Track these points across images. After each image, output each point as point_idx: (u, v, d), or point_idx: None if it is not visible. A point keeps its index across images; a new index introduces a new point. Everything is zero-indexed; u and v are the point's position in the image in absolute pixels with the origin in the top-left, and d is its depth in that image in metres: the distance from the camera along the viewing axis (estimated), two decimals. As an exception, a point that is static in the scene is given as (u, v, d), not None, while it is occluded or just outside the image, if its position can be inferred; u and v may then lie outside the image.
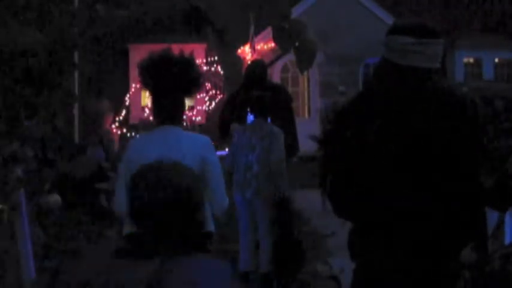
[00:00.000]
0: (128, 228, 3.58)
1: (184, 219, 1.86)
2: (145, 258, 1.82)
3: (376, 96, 2.69)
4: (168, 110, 3.66)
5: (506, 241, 4.55)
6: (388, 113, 2.62)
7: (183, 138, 3.64)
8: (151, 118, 16.63)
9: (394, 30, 2.72)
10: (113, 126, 15.93)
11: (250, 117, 6.28)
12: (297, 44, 9.15)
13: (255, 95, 6.17)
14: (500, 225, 4.74)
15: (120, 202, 3.69)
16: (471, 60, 20.56)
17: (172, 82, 3.62)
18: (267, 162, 5.91)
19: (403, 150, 2.58)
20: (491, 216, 4.45)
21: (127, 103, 16.55)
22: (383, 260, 2.62)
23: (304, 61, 9.21)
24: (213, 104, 16.59)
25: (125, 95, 16.56)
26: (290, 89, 15.48)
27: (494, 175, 2.55)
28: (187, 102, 15.24)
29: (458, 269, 2.63)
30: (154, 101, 3.72)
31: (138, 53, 18.67)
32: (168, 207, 1.85)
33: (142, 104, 17.37)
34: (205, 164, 3.54)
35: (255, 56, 13.82)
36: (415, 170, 2.57)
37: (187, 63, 3.70)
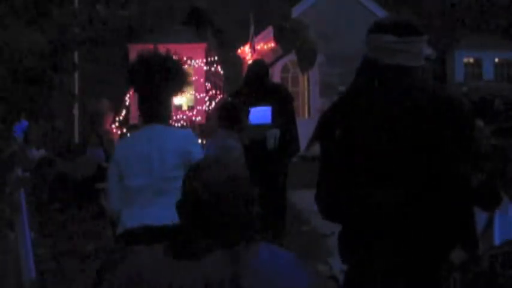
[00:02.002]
0: (122, 228, 3.60)
1: (240, 210, 1.89)
2: (206, 252, 1.83)
3: (363, 96, 2.67)
4: (152, 109, 3.69)
5: (496, 241, 4.54)
6: (374, 113, 2.61)
7: (166, 135, 3.66)
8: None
9: (376, 29, 2.68)
10: (113, 126, 15.92)
11: (252, 115, 6.20)
12: (297, 44, 9.15)
13: (224, 104, 5.94)
14: (489, 225, 4.73)
15: (113, 201, 3.73)
16: (471, 60, 20.57)
17: (155, 80, 3.65)
18: None
19: (391, 150, 2.57)
20: (480, 217, 4.44)
21: (127, 103, 16.54)
22: (372, 261, 2.61)
23: (305, 61, 9.22)
24: (213, 104, 16.60)
25: (125, 95, 16.55)
26: (290, 89, 15.46)
27: (483, 174, 2.53)
28: (188, 103, 15.21)
29: (448, 269, 2.62)
30: (139, 100, 3.75)
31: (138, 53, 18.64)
32: (225, 200, 1.88)
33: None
34: (189, 158, 3.54)
35: (255, 56, 13.82)
36: (403, 170, 2.56)
37: (171, 62, 3.72)
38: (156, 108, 3.69)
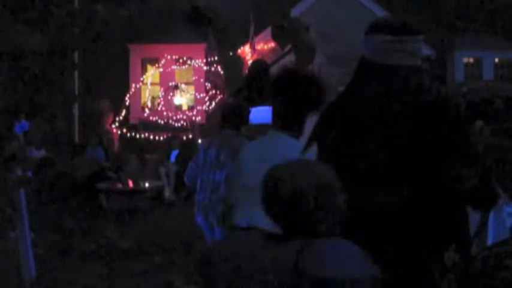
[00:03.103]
0: (238, 221, 3.82)
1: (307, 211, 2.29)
2: (289, 241, 2.25)
3: (359, 96, 2.67)
4: (278, 118, 3.92)
5: (489, 242, 4.54)
6: (371, 113, 2.61)
7: (280, 142, 3.84)
8: (151, 118, 16.55)
9: (372, 29, 2.69)
10: (113, 126, 15.92)
11: (253, 115, 6.19)
12: (296, 42, 9.12)
13: (229, 103, 5.88)
14: (482, 225, 4.73)
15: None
16: (471, 60, 20.56)
17: (295, 97, 3.85)
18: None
19: (387, 151, 2.56)
20: (474, 217, 4.43)
21: (127, 103, 16.54)
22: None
23: (304, 58, 9.18)
24: (213, 104, 16.59)
25: (125, 95, 16.55)
26: (290, 89, 15.41)
27: (477, 175, 2.52)
28: (188, 103, 15.20)
29: (442, 271, 2.62)
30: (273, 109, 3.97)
31: (138, 53, 18.67)
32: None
33: (142, 104, 17.37)
34: None
35: (255, 56, 13.82)
36: (396, 171, 2.55)
37: (313, 84, 3.92)
38: (282, 118, 3.87)
